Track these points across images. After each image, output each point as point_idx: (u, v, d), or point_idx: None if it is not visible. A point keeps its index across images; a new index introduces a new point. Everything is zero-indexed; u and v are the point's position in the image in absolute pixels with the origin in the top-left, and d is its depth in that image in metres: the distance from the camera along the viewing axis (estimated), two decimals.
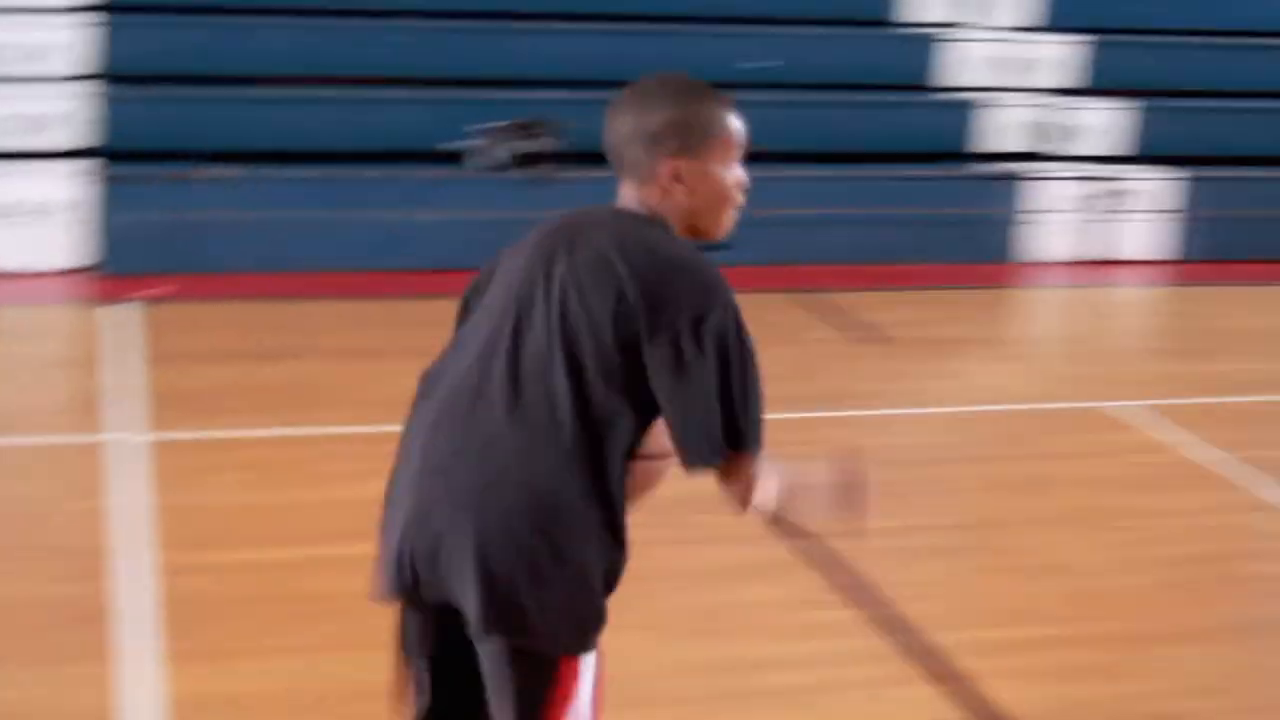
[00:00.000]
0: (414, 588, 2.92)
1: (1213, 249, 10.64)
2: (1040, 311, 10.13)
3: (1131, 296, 10.31)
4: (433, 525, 2.88)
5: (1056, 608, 5.11)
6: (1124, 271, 10.47)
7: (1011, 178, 10.33)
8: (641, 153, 2.95)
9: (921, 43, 10.97)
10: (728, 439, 2.83)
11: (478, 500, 2.85)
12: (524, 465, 2.85)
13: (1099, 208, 10.25)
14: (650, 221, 2.96)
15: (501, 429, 2.86)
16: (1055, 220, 10.24)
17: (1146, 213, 10.49)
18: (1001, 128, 10.61)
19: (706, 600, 5.07)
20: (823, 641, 4.78)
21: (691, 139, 2.94)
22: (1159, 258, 10.61)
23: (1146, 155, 10.68)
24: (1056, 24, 11.22)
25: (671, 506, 5.73)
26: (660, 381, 2.83)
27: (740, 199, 3.02)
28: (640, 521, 5.70)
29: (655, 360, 2.83)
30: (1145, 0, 11.63)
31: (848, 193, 10.01)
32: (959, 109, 10.64)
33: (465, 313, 3.09)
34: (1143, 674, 4.69)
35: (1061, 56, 11.00)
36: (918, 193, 10.22)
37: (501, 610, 2.85)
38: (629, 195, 3.00)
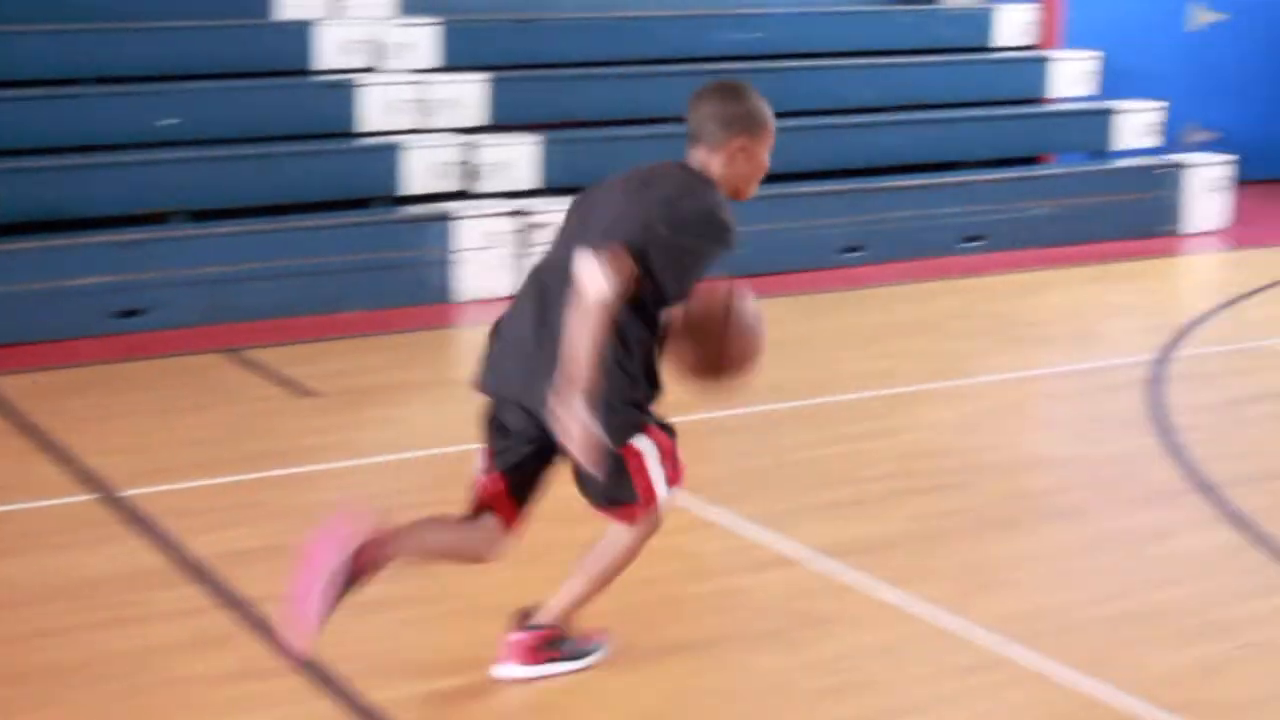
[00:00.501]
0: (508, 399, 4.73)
1: None
2: (476, 351, 10.23)
3: None
4: (526, 365, 4.63)
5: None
6: None
7: (441, 218, 10.48)
8: (719, 129, 4.41)
9: (337, 90, 10.98)
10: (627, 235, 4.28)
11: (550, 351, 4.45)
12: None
13: (520, 242, 10.50)
14: (700, 175, 4.43)
15: (560, 304, 4.38)
16: (484, 257, 10.43)
17: None
18: (423, 169, 10.72)
19: (140, 682, 4.98)
20: (263, 713, 4.75)
21: (755, 126, 4.44)
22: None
23: (554, 187, 11.00)
24: (457, 64, 11.44)
25: (98, 588, 5.54)
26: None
27: (763, 176, 4.51)
28: (66, 608, 5.42)
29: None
30: (537, 37, 12.04)
31: (274, 246, 9.97)
32: (380, 153, 10.72)
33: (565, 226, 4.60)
34: (579, 709, 4.83)
35: (466, 96, 11.24)
36: (347, 240, 10.28)
37: None
38: (697, 158, 4.47)
